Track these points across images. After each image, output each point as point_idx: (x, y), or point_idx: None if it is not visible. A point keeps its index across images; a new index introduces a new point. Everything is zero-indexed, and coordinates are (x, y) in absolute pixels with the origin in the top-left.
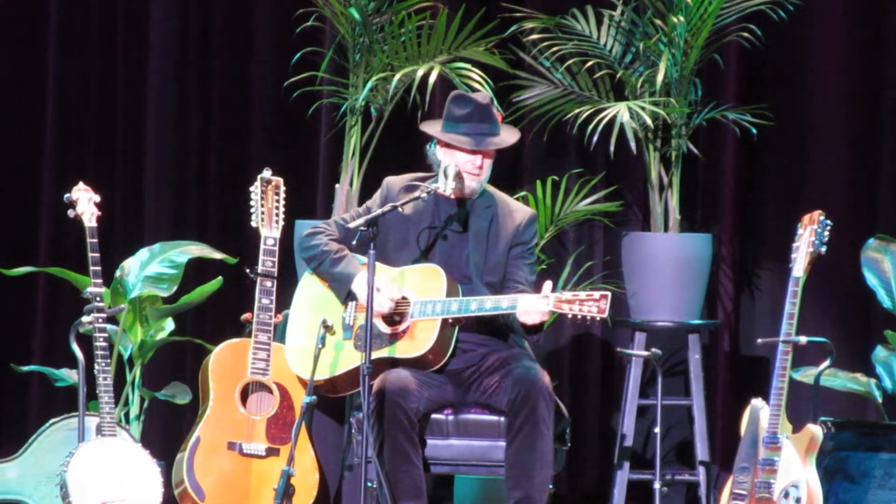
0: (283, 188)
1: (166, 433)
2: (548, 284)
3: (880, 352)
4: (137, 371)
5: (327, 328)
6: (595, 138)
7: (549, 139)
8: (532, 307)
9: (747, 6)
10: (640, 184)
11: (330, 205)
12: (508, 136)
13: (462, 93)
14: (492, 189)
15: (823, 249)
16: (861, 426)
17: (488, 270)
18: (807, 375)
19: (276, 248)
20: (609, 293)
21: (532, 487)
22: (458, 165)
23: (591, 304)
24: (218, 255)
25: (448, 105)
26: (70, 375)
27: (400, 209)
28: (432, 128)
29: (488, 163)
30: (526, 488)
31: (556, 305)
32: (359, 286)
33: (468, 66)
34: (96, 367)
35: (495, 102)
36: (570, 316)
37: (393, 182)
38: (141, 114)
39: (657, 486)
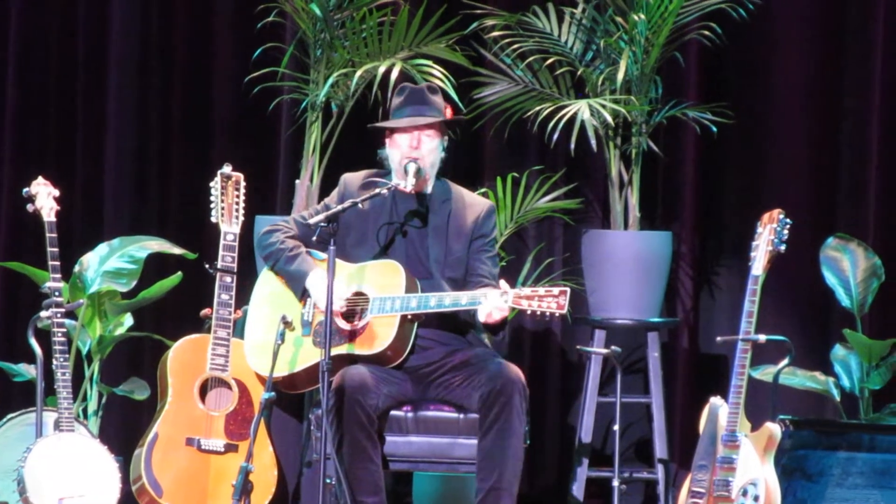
0: (243, 184)
1: (124, 429)
2: (503, 283)
3: (839, 350)
4: (96, 366)
5: (287, 324)
6: (556, 135)
7: (510, 136)
8: (491, 304)
9: (707, 5)
10: (600, 181)
11: (290, 200)
12: (437, 114)
13: (403, 84)
14: (449, 184)
15: (783, 248)
16: (819, 425)
17: (449, 265)
18: (766, 374)
19: (236, 244)
20: (568, 289)
21: (502, 478)
22: (401, 153)
23: (549, 300)
24: (177, 251)
25: (391, 99)
26: (28, 370)
27: (360, 205)
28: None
29: (427, 141)
30: (496, 478)
31: (516, 302)
32: (312, 284)
33: (429, 62)
34: (54, 362)
35: (453, 92)
36: (528, 312)
37: (350, 179)
38: (101, 108)
39: (616, 483)
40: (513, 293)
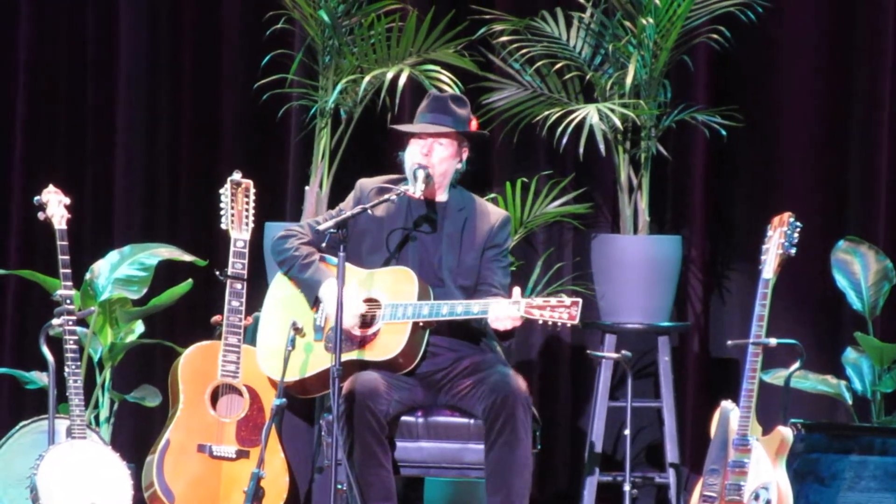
0: (252, 190)
1: (136, 436)
2: (516, 290)
3: (850, 354)
4: (107, 373)
5: (297, 331)
6: (564, 140)
7: (519, 141)
8: (503, 313)
9: (717, 8)
10: (609, 186)
11: (300, 207)
12: (454, 124)
13: (432, 91)
14: (466, 191)
15: (793, 251)
16: (831, 428)
17: (461, 273)
18: (777, 377)
19: (246, 251)
20: (580, 300)
21: (512, 493)
22: (412, 158)
23: (562, 311)
24: (188, 258)
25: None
26: (40, 378)
27: (370, 211)
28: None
29: (440, 149)
30: (505, 494)
31: (527, 311)
32: (325, 294)
33: (438, 68)
34: (66, 369)
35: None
36: (540, 322)
37: (366, 183)
38: (111, 115)
39: (627, 488)
40: (524, 302)
